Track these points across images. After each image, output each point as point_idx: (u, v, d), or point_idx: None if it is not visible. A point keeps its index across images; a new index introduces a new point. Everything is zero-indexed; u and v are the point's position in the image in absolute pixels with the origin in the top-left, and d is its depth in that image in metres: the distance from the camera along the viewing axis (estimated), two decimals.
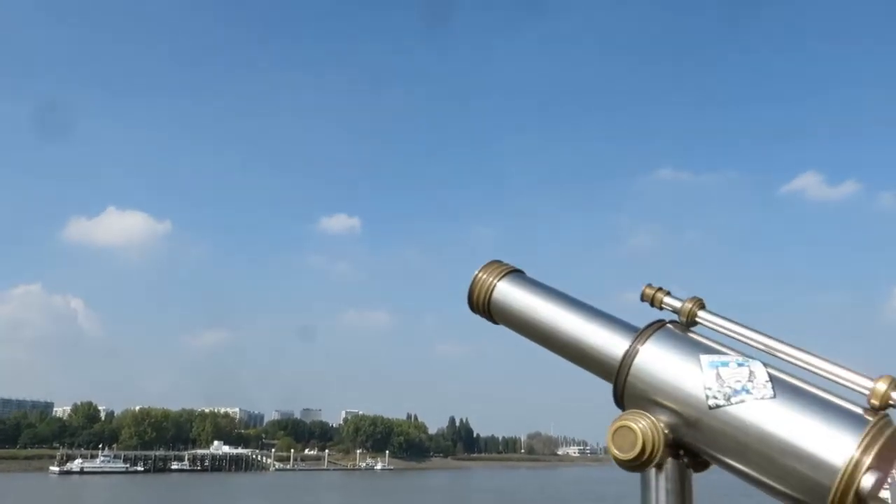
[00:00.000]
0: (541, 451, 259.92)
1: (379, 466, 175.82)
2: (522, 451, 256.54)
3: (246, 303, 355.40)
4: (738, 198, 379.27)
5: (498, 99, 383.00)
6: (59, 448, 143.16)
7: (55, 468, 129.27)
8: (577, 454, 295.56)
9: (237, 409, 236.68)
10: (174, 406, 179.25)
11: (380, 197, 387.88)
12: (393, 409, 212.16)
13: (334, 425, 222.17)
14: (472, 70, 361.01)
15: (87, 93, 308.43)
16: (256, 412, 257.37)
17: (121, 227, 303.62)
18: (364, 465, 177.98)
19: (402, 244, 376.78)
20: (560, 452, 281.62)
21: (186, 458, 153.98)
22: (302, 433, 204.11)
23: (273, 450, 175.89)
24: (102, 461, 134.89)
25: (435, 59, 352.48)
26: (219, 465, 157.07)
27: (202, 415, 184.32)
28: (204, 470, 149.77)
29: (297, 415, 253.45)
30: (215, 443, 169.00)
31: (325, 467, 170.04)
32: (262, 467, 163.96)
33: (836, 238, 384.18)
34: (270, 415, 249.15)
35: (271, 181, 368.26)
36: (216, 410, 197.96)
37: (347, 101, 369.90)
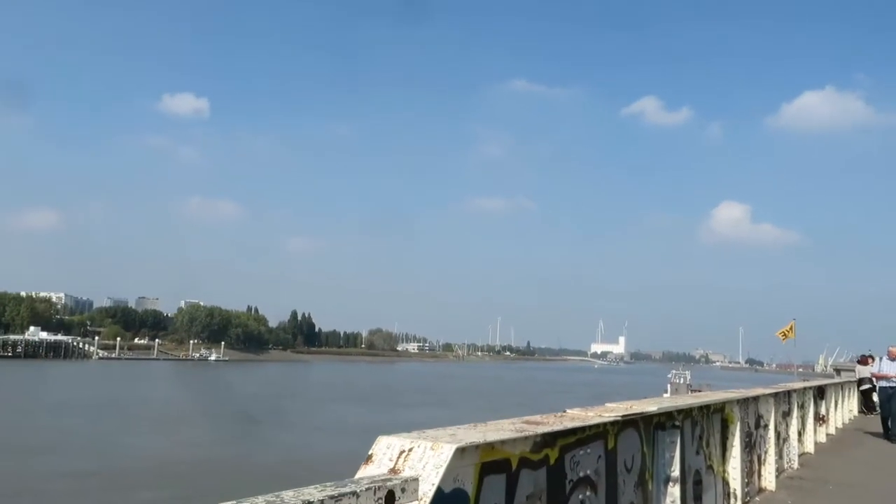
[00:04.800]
0: (381, 346, 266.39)
1: (213, 357, 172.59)
2: (363, 346, 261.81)
3: (77, 183, 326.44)
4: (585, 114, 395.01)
5: None
6: None
7: None
8: (416, 350, 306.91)
9: (62, 295, 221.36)
10: None
11: (231, 78, 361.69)
12: (236, 302, 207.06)
13: (170, 315, 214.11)
14: None
15: None
16: (85, 298, 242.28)
17: None
18: (197, 355, 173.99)
19: (255, 132, 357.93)
20: (400, 349, 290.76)
21: None
22: (133, 322, 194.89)
23: (97, 337, 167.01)
24: None
25: None
26: (34, 352, 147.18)
27: (17, 298, 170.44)
28: (16, 357, 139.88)
29: (132, 303, 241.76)
30: (31, 328, 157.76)
31: (154, 357, 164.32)
32: (85, 355, 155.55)
33: (670, 162, 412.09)
34: (102, 302, 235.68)
35: (105, 57, 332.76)
36: (34, 294, 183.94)
37: None
